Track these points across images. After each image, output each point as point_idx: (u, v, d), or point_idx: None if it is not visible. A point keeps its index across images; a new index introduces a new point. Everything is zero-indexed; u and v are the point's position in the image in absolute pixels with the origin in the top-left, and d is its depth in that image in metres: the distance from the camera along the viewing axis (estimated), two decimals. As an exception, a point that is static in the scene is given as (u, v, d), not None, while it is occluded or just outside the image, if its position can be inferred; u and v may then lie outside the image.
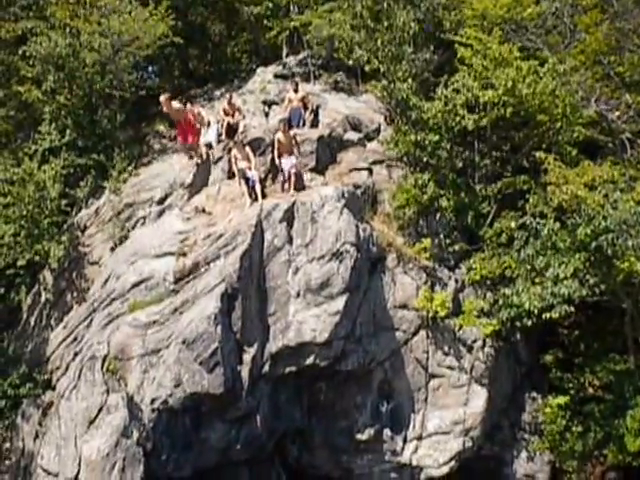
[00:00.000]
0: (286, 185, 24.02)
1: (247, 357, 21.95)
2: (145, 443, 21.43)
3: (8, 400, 23.06)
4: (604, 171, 23.89)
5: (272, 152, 24.68)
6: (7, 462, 22.96)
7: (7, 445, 23.15)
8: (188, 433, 21.86)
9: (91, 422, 21.65)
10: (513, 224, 24.05)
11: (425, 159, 24.99)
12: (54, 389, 23.07)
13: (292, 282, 22.46)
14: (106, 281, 23.74)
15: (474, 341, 23.80)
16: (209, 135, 25.69)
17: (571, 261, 22.19)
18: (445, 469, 23.41)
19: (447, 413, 23.55)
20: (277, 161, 24.44)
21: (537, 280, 22.95)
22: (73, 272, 24.80)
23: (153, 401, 21.47)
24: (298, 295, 22.38)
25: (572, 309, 22.61)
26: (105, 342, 22.28)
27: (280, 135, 24.37)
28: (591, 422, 23.68)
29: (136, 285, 22.98)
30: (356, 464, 23.36)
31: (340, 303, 22.27)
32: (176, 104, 25.66)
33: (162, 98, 25.41)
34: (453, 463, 23.42)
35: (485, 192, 25.00)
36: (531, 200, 24.20)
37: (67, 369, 22.86)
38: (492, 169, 25.43)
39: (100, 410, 21.67)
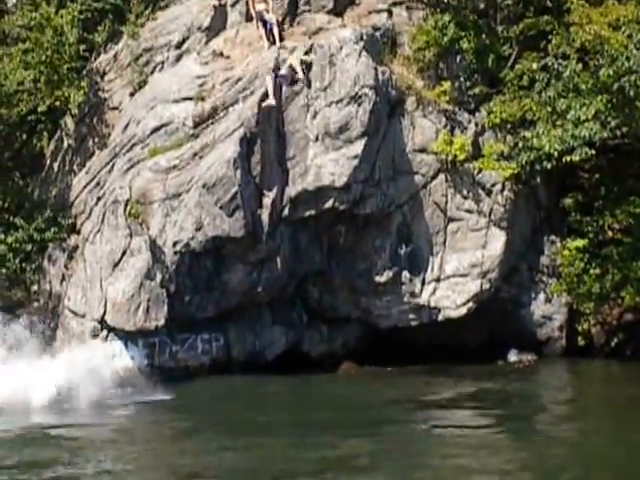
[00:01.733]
0: None
1: (267, 201, 22.22)
2: (168, 285, 21.97)
3: (34, 244, 23.57)
4: (629, 10, 23.21)
5: None
6: (35, 304, 23.59)
7: (35, 288, 23.75)
8: (210, 275, 22.36)
9: (115, 265, 22.18)
10: (535, 66, 23.65)
11: (446, 0, 24.50)
12: (79, 233, 23.55)
13: (311, 126, 22.47)
14: (126, 126, 23.86)
15: (493, 185, 23.81)
16: None
17: (592, 103, 21.93)
18: (462, 310, 23.77)
19: (465, 256, 23.78)
20: None
21: (558, 123, 22.75)
22: (94, 118, 24.91)
23: (175, 244, 21.90)
24: (317, 139, 22.42)
25: (593, 152, 22.48)
26: (127, 187, 22.59)
27: None
28: (609, 265, 23.80)
29: (156, 130, 23.11)
30: (375, 305, 23.79)
31: (359, 147, 22.33)
32: None
33: None
34: (470, 305, 23.76)
35: (507, 33, 24.50)
36: (553, 41, 23.71)
37: (91, 213, 23.27)
38: (514, 10, 24.84)
39: (124, 253, 22.16)
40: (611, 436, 15.50)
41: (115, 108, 24.83)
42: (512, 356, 24.31)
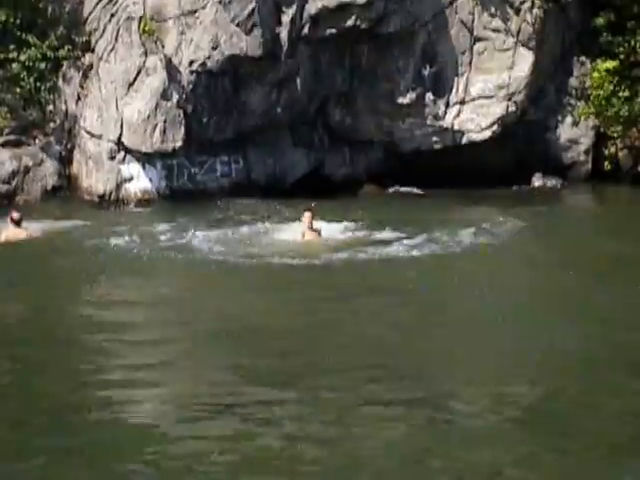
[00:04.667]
0: None
1: (285, 18, 21.50)
2: (185, 106, 21.51)
3: (48, 62, 22.92)
4: None
5: None
6: (52, 125, 23.16)
7: (50, 108, 23.23)
8: (228, 96, 21.88)
9: (130, 85, 21.66)
10: None
11: None
12: (93, 51, 22.85)
13: (332, -61, 21.46)
14: (139, -62, 22.84)
15: (522, 2, 22.88)
16: None
17: None
18: (487, 133, 23.30)
19: (491, 77, 23.11)
20: None
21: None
22: None
23: (191, 63, 21.33)
24: (337, -48, 21.45)
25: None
26: (140, 2, 21.78)
27: None
28: (638, 87, 23.23)
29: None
30: (398, 128, 23.34)
31: (382, -40, 21.40)
32: None
33: None
34: (495, 128, 23.26)
35: None
36: None
37: (104, 31, 22.51)
38: None
39: (139, 72, 21.60)
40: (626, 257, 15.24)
41: None
42: (536, 181, 23.94)
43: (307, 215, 16.84)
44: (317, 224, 17.01)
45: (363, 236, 17.10)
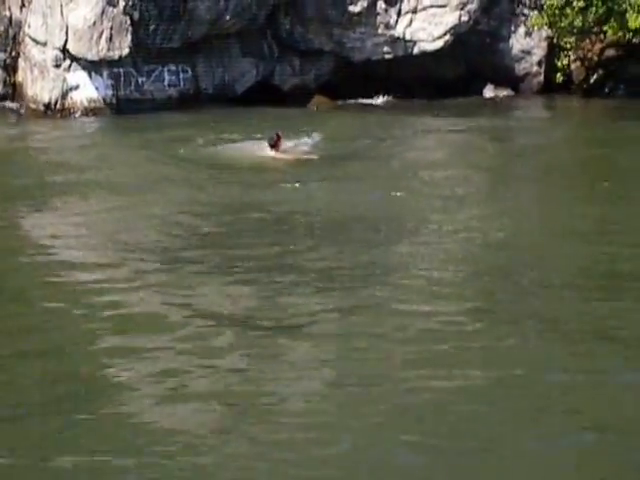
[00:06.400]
0: None
1: None
2: (132, 12, 21.09)
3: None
4: None
5: None
6: (-5, 31, 22.66)
7: (-6, 14, 22.73)
8: (175, 3, 21.45)
9: (75, -11, 21.12)
10: None
11: None
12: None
13: None
14: None
15: None
16: None
17: None
18: (439, 43, 23.00)
19: (444, -15, 22.78)
20: None
21: None
22: None
23: (137, -34, 20.81)
24: None
25: None
26: None
27: None
28: (593, -3, 22.93)
29: None
30: (348, 37, 22.99)
31: None
32: None
33: None
34: (448, 37, 22.96)
35: None
36: None
37: None
38: None
39: (83, -23, 21.06)
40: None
41: None
42: (488, 92, 23.80)
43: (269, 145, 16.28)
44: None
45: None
